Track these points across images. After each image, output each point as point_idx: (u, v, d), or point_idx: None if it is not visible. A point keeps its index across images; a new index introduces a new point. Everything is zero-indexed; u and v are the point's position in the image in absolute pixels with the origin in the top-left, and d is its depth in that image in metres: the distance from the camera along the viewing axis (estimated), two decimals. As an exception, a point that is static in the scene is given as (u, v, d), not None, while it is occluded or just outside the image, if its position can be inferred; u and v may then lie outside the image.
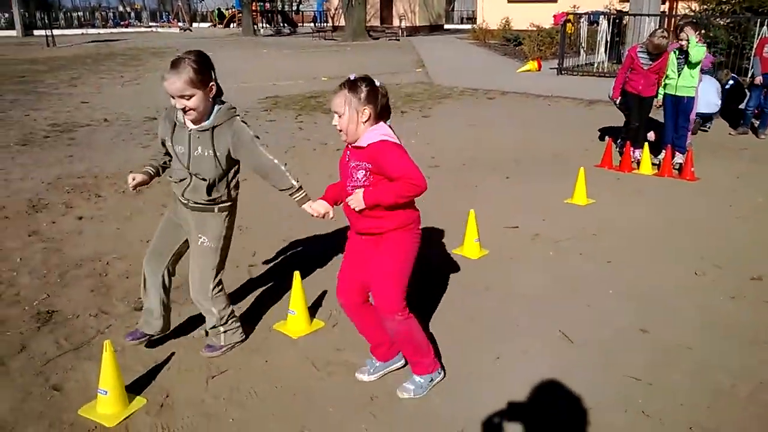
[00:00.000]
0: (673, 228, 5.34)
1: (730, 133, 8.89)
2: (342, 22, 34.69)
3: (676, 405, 2.95)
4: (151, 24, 49.83)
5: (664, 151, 7.07)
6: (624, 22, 14.69)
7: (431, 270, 4.46)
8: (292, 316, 3.64)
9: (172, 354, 3.38)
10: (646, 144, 7.13)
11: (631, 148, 7.17)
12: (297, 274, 3.62)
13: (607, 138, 8.16)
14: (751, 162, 7.45)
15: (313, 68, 17.06)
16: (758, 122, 8.82)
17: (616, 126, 8.36)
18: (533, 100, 11.23)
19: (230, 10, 47.29)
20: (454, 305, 3.96)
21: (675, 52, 6.87)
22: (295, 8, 48.26)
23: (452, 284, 4.26)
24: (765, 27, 11.25)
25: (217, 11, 50.71)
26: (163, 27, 46.15)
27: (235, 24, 43.03)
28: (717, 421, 2.84)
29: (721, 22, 12.26)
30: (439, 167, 7.24)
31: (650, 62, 6.99)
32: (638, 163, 7.11)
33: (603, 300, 4.04)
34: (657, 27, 13.02)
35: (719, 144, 8.32)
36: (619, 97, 7.40)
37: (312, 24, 42.47)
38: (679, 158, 6.97)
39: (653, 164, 7.07)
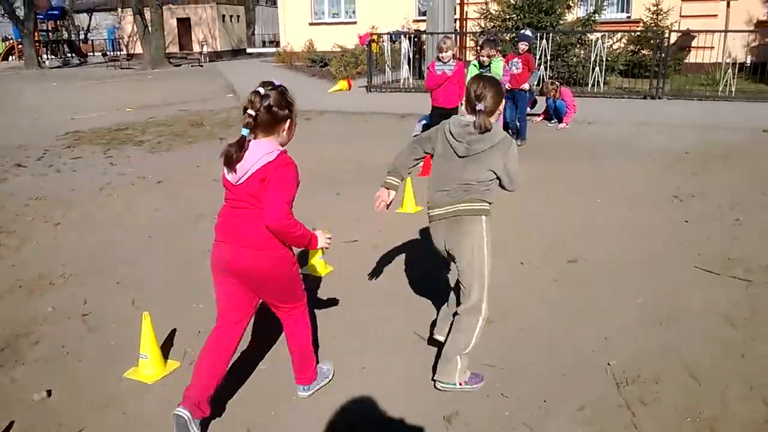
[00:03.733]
0: (494, 224, 5.80)
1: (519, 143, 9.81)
2: (137, 50, 33.12)
3: (529, 383, 3.24)
4: None
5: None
6: (422, 40, 15.68)
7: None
8: (144, 361, 3.43)
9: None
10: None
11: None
12: (146, 315, 3.41)
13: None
14: (545, 161, 8.29)
15: (114, 99, 16.07)
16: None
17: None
18: (349, 118, 11.58)
19: (7, 42, 42.98)
20: (313, 323, 3.97)
21: (476, 65, 7.51)
22: (83, 37, 45.13)
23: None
24: (544, 41, 12.69)
25: (-12, 43, 45.84)
26: None
27: (14, 56, 39.17)
28: (567, 392, 3.16)
29: (507, 37, 13.60)
30: (269, 190, 7.20)
31: (448, 71, 7.50)
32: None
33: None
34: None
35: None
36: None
37: (102, 54, 39.97)
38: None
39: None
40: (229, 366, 2.95)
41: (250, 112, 2.63)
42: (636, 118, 10.99)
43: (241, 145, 2.63)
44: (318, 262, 4.77)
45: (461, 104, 7.67)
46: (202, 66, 28.45)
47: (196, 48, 34.24)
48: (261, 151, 2.64)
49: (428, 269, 4.80)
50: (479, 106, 3.02)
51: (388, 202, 3.38)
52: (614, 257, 4.98)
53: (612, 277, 4.62)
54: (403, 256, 5.07)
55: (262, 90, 2.65)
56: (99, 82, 22.34)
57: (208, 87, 18.18)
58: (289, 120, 2.73)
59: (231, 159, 2.63)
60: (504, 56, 9.13)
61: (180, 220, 6.20)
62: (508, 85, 7.95)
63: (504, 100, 3.21)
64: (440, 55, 7.49)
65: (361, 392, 3.21)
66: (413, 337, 3.77)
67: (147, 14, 28.47)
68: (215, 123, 11.69)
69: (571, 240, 5.33)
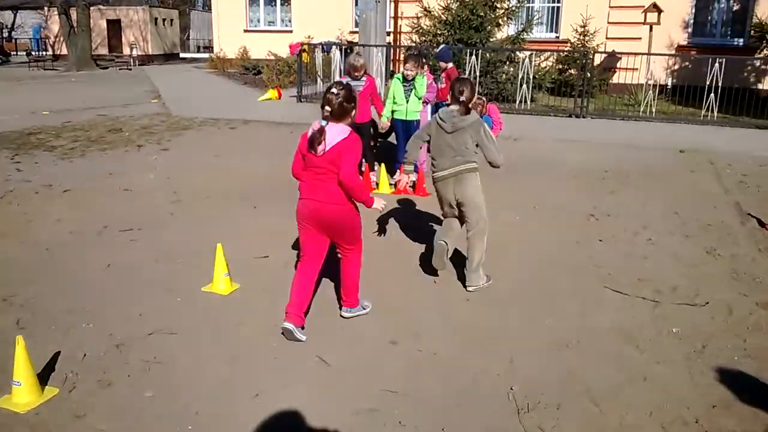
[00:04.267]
0: (411, 242, 5.72)
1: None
2: (64, 51, 31.80)
3: (428, 410, 3.13)
4: None
5: (398, 171, 7.60)
6: (355, 51, 15.60)
7: (182, 313, 4.21)
8: (18, 388, 3.14)
9: None
10: (383, 165, 7.60)
11: (371, 171, 7.59)
12: (20, 339, 3.13)
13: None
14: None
15: (32, 101, 15.27)
16: None
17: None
18: (276, 128, 11.35)
19: None
20: (210, 346, 3.77)
21: (399, 79, 7.44)
22: (6, 35, 43.07)
23: (205, 323, 4.06)
24: (474, 57, 12.80)
25: None
26: None
27: (-72, 53, 36.94)
28: (467, 419, 3.06)
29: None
30: (182, 201, 6.90)
31: (359, 87, 7.40)
32: (377, 184, 7.54)
33: (354, 319, 4.16)
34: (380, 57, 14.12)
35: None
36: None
37: (27, 53, 38.14)
38: (412, 176, 7.54)
39: (390, 184, 7.56)
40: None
41: (328, 108, 3.65)
42: (560, 135, 11.19)
43: (322, 131, 3.64)
44: (223, 279, 4.54)
45: (383, 117, 7.62)
46: (130, 69, 27.52)
47: (126, 51, 33.14)
48: (337, 131, 3.66)
49: (334, 294, 4.65)
50: (461, 98, 4.48)
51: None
52: (526, 276, 4.97)
53: (523, 297, 4.59)
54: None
55: (335, 90, 3.67)
56: (19, 82, 21.26)
57: (132, 91, 17.55)
58: (354, 109, 3.74)
59: (315, 141, 3.64)
60: (433, 72, 9.14)
61: (83, 232, 5.85)
62: (434, 99, 7.94)
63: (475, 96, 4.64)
64: (353, 73, 7.38)
65: (255, 422, 3.02)
66: (315, 362, 3.60)
67: (73, 14, 27.39)
68: (134, 129, 11.22)
69: (485, 258, 5.28)
